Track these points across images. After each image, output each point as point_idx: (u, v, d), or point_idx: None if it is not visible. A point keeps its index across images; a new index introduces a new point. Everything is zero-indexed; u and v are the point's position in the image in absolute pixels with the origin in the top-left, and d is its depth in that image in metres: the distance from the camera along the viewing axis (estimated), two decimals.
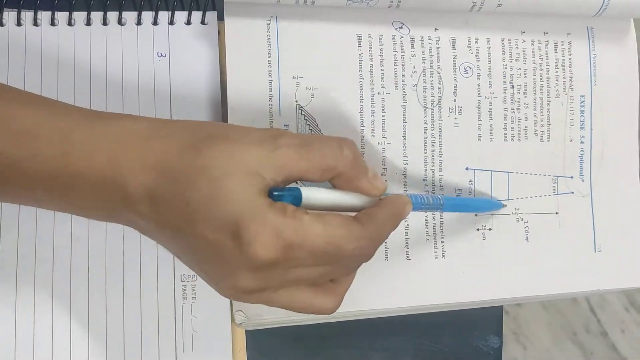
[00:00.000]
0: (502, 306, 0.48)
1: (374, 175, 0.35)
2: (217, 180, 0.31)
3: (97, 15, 0.44)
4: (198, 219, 0.31)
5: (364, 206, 0.35)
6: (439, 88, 0.46)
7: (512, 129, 0.47)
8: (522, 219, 0.46)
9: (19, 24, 0.43)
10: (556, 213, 0.47)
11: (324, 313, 0.35)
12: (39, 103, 0.34)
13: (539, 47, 0.47)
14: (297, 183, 0.34)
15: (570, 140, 0.48)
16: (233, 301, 0.42)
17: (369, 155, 0.44)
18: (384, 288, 0.44)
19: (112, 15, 0.44)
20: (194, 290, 0.43)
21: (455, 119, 0.46)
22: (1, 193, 0.34)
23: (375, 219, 0.34)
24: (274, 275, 0.32)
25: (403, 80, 0.45)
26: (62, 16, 0.44)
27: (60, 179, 0.33)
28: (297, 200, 0.32)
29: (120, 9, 0.44)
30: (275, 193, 0.32)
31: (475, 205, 0.45)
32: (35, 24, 0.43)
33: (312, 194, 0.33)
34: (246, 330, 0.43)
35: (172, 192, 0.31)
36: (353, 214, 0.34)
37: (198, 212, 0.31)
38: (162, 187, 0.31)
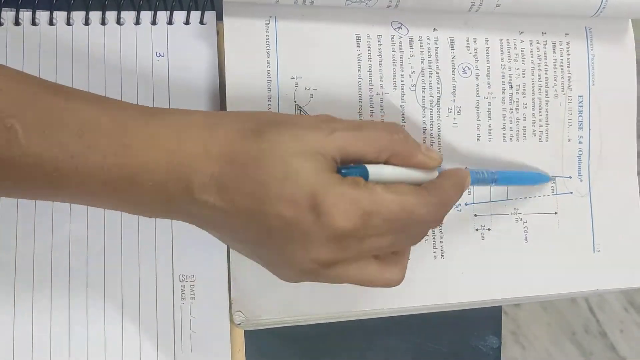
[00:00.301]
0: (501, 306, 0.48)
1: (427, 148, 0.37)
2: (286, 159, 0.32)
3: (95, 15, 0.44)
4: (273, 198, 0.32)
5: (426, 179, 0.37)
6: (437, 88, 0.46)
7: (511, 129, 0.47)
8: (521, 219, 0.46)
9: (17, 23, 0.43)
10: (555, 213, 0.47)
11: (392, 285, 0.36)
12: (94, 99, 0.34)
13: (538, 48, 0.47)
14: None
15: (569, 141, 0.48)
16: (232, 301, 0.42)
17: None
18: (383, 288, 0.44)
19: (111, 15, 0.44)
20: (193, 290, 0.43)
21: (454, 119, 0.46)
22: (57, 188, 0.33)
23: (441, 186, 0.36)
24: (351, 245, 0.33)
25: (402, 81, 0.45)
26: (60, 16, 0.44)
27: (121, 173, 0.32)
28: (364, 176, 0.34)
29: (118, 8, 0.44)
30: (344, 170, 0.33)
31: (526, 178, 0.46)
32: (34, 23, 0.43)
33: (377, 170, 0.34)
34: (245, 331, 0.43)
35: (242, 176, 0.32)
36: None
37: (272, 191, 0.32)
38: (230, 174, 0.32)
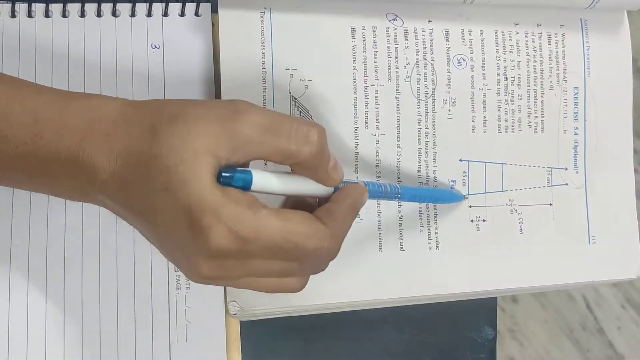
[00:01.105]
0: (496, 298, 0.48)
1: (334, 166, 0.34)
2: (170, 170, 0.30)
3: (91, 7, 0.44)
4: (158, 206, 0.31)
5: (318, 194, 0.35)
6: (432, 80, 0.46)
7: (506, 120, 0.47)
8: (517, 211, 0.46)
9: (13, 15, 0.43)
10: (550, 204, 0.47)
11: (292, 292, 0.35)
12: (9, 82, 0.34)
13: (533, 39, 0.47)
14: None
15: (564, 132, 0.48)
16: (227, 292, 0.42)
17: (362, 146, 0.44)
18: (378, 279, 0.44)
19: (106, 7, 0.44)
20: (188, 280, 0.43)
21: (449, 110, 0.46)
22: None
23: (335, 215, 0.34)
24: (231, 264, 0.32)
25: (397, 72, 0.45)
26: (56, 8, 0.44)
27: (31, 161, 0.33)
28: (247, 184, 0.31)
29: (114, 1, 0.44)
30: (224, 174, 0.31)
31: (435, 196, 0.45)
32: (30, 15, 0.43)
33: (263, 180, 0.32)
34: (240, 321, 0.43)
35: (135, 178, 0.31)
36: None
37: (156, 200, 0.31)
38: (126, 175, 0.32)
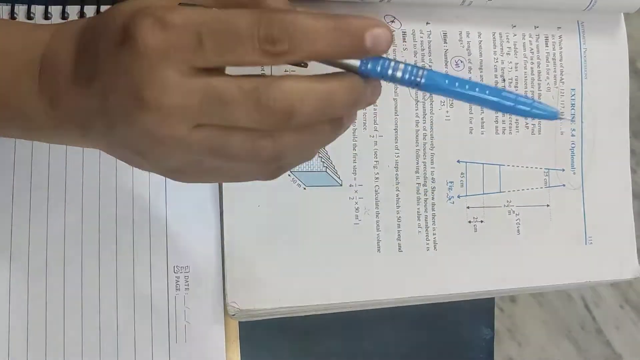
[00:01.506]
0: (493, 298, 0.48)
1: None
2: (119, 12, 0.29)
3: (90, 9, 0.44)
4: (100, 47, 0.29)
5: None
6: None
7: (503, 122, 0.47)
8: (514, 212, 0.47)
9: (12, 17, 0.43)
10: (547, 205, 0.47)
11: (264, 159, 0.30)
12: None
13: (530, 41, 0.48)
14: None
15: (561, 134, 0.48)
16: (226, 292, 0.42)
17: (360, 148, 0.45)
18: (376, 280, 0.44)
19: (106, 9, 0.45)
20: (187, 281, 0.43)
21: (447, 112, 0.46)
22: None
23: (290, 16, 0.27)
24: (174, 83, 0.28)
25: None
26: (55, 10, 0.44)
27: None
28: None
29: (113, 2, 0.44)
30: None
31: (501, 101, 0.30)
32: (29, 17, 0.44)
33: None
34: (239, 322, 0.44)
35: (93, 39, 0.30)
36: None
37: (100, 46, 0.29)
38: (85, 41, 0.31)
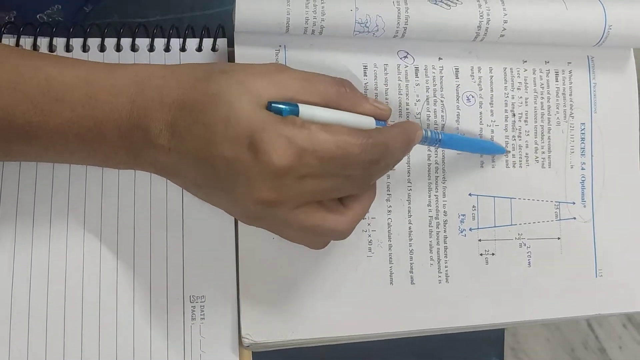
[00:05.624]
0: (503, 329, 0.49)
1: (376, 100, 0.38)
2: (229, 103, 0.34)
3: (110, 42, 0.45)
4: (217, 140, 0.33)
5: (362, 127, 0.37)
6: (442, 116, 0.47)
7: (514, 155, 0.48)
8: (525, 244, 0.47)
9: (35, 49, 0.44)
10: (558, 238, 0.48)
11: (337, 234, 0.37)
12: (58, 58, 0.37)
13: (540, 76, 0.48)
14: None
15: (571, 167, 0.49)
16: (241, 324, 0.43)
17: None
18: (389, 312, 0.45)
19: (126, 42, 0.45)
20: (203, 311, 0.43)
21: None
22: (29, 141, 0.36)
23: (382, 130, 0.37)
24: (290, 184, 0.34)
25: (407, 109, 0.46)
26: (76, 42, 0.45)
27: (87, 124, 0.35)
28: (294, 111, 0.35)
29: (133, 36, 0.45)
30: (274, 104, 0.34)
31: (476, 145, 0.46)
32: (51, 49, 0.44)
33: (309, 109, 0.35)
34: (252, 352, 0.44)
35: (191, 120, 0.34)
36: None
37: (215, 133, 0.33)
38: (181, 119, 0.34)
